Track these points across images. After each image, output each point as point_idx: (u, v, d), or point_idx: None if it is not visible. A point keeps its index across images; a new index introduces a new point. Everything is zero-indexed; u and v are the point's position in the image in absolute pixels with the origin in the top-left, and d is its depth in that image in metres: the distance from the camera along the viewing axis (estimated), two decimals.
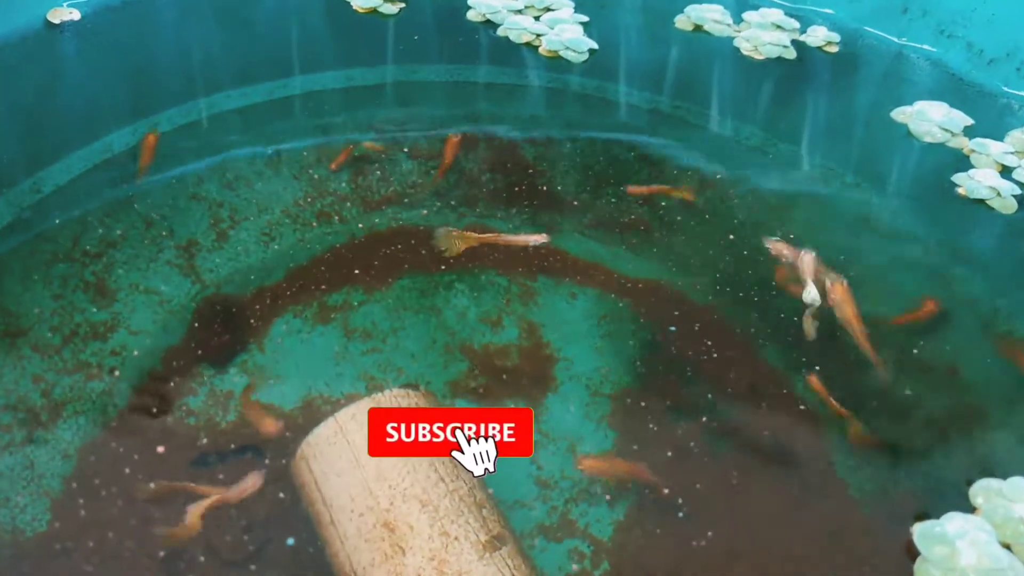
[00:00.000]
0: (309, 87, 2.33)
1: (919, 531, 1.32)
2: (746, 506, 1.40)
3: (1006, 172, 2.08)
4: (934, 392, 1.61)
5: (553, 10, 2.60)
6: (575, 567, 1.31)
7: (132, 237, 1.80)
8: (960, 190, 2.03)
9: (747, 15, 2.63)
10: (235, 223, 1.86)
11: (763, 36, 2.57)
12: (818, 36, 2.62)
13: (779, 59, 2.50)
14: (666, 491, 1.40)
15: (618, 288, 1.76)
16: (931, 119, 2.22)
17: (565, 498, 1.39)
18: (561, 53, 2.44)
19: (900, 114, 2.28)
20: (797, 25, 2.64)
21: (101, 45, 2.41)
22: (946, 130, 2.20)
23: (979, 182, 2.03)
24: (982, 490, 1.38)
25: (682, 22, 2.69)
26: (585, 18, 2.57)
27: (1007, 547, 1.30)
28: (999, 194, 2.00)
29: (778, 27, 2.64)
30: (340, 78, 2.38)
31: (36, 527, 1.30)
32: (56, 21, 2.38)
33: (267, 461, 1.39)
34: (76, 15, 2.41)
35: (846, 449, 1.49)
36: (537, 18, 2.58)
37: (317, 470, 1.32)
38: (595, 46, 2.45)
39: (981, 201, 2.01)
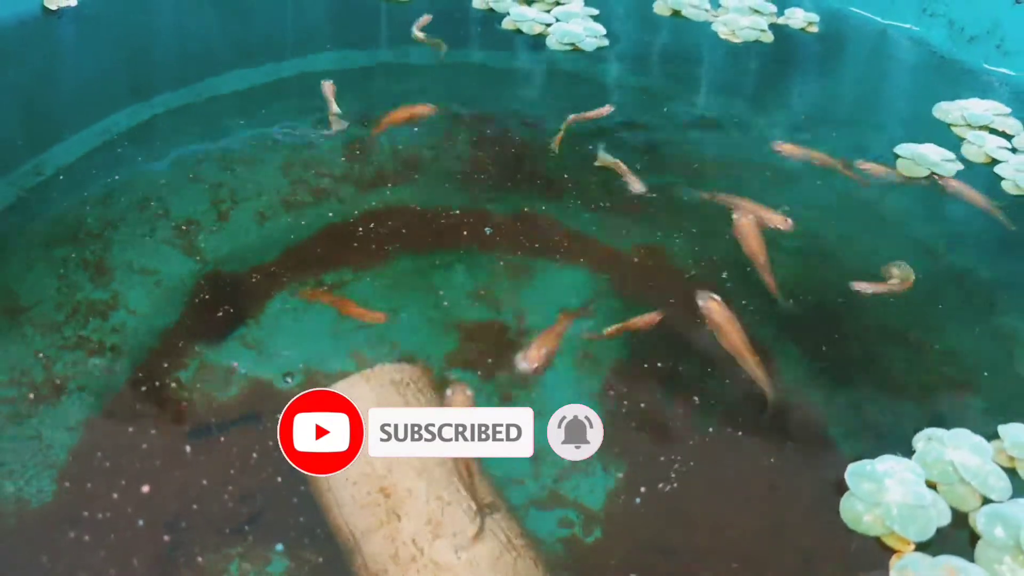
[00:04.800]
0: (306, 69, 2.37)
1: (850, 470, 1.36)
2: (725, 470, 1.43)
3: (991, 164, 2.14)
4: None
5: (562, 3, 2.67)
6: (566, 534, 1.33)
7: (131, 217, 1.83)
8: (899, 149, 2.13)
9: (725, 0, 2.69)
10: (233, 203, 1.88)
11: (740, 20, 2.62)
12: (798, 18, 2.67)
13: (756, 42, 2.56)
14: (656, 457, 1.44)
15: (610, 263, 1.79)
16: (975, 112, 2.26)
17: (556, 471, 1.41)
18: (579, 44, 2.52)
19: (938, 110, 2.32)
20: (774, 8, 2.70)
21: (98, 30, 2.44)
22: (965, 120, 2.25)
23: (920, 150, 2.12)
24: (924, 437, 1.43)
25: (660, 8, 2.73)
26: (595, 11, 2.63)
27: (932, 487, 1.35)
28: (914, 161, 2.10)
29: (755, 11, 2.68)
30: (337, 60, 2.42)
31: (41, 498, 1.32)
32: (53, 7, 2.41)
33: (266, 431, 1.41)
34: (73, 1, 2.44)
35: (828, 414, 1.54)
36: (548, 11, 2.64)
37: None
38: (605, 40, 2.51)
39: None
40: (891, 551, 1.27)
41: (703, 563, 1.27)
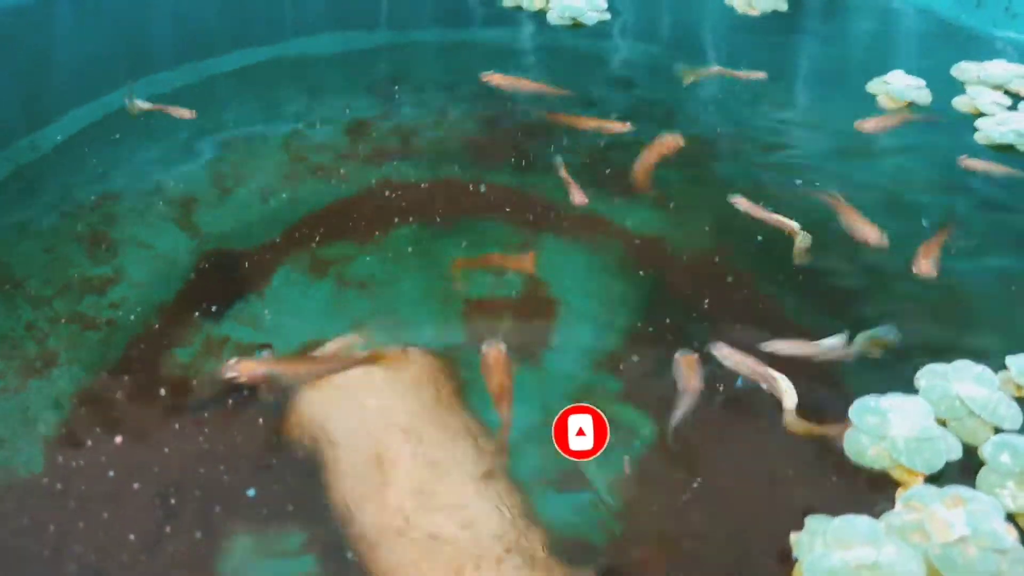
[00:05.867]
0: (304, 50, 2.38)
1: (855, 406, 1.31)
2: (725, 422, 1.39)
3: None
4: None
5: None
6: (577, 509, 1.28)
7: (129, 193, 1.83)
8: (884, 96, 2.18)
9: None
10: (233, 179, 1.88)
11: None
12: None
13: (774, 12, 2.58)
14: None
15: (612, 237, 1.76)
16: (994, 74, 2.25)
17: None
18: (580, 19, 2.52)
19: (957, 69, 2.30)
20: None
21: (97, 12, 2.48)
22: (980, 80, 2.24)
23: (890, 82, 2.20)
24: (927, 373, 1.38)
25: None
26: None
27: (943, 423, 1.31)
28: (890, 97, 2.17)
29: None
30: (336, 41, 2.44)
31: (32, 469, 1.30)
32: None
33: (264, 404, 1.39)
34: None
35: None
36: None
37: (314, 410, 1.35)
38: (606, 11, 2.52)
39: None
40: (898, 484, 1.23)
41: (712, 522, 1.23)
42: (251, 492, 1.26)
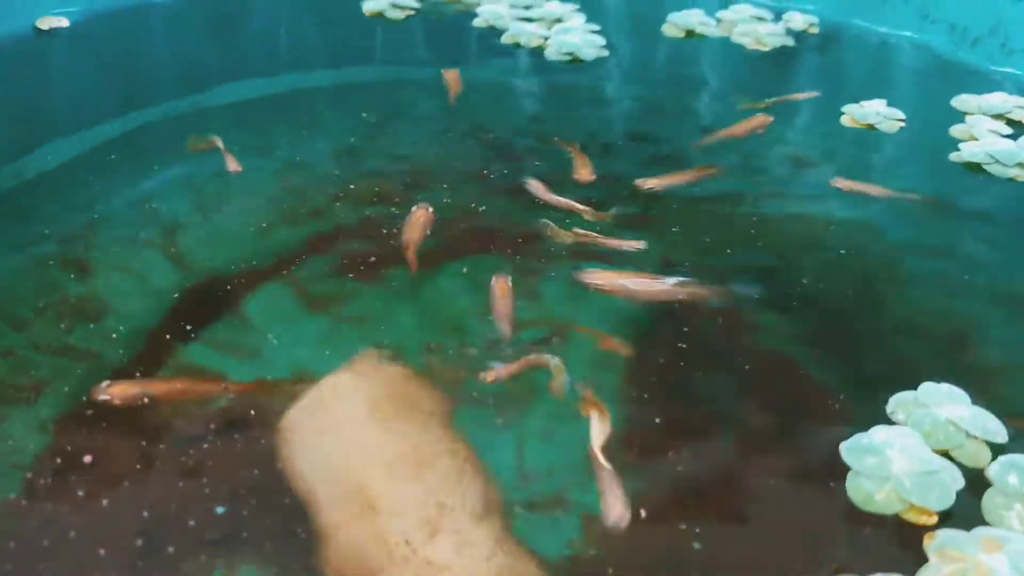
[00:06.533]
0: (299, 84, 2.40)
1: (846, 446, 1.26)
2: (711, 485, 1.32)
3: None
4: None
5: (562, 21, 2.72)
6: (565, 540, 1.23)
7: (116, 221, 1.81)
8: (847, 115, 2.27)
9: (720, 13, 2.77)
10: (224, 210, 1.86)
11: (759, 28, 2.66)
12: (798, 22, 2.77)
13: (783, 47, 2.64)
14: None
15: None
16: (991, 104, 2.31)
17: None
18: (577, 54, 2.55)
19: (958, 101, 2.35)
20: (770, 16, 2.79)
21: (90, 50, 2.50)
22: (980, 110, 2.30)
23: (865, 108, 2.28)
24: (898, 404, 1.34)
25: (670, 30, 2.74)
26: (596, 27, 2.69)
27: (944, 454, 1.27)
28: (852, 118, 2.26)
29: (758, 19, 2.75)
30: (331, 77, 2.47)
31: (7, 495, 1.24)
32: (45, 28, 2.51)
33: (249, 436, 1.35)
34: (65, 23, 2.55)
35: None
36: (550, 28, 2.68)
37: (297, 443, 1.32)
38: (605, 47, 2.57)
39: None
40: (915, 527, 1.18)
41: None
42: (223, 513, 1.23)
